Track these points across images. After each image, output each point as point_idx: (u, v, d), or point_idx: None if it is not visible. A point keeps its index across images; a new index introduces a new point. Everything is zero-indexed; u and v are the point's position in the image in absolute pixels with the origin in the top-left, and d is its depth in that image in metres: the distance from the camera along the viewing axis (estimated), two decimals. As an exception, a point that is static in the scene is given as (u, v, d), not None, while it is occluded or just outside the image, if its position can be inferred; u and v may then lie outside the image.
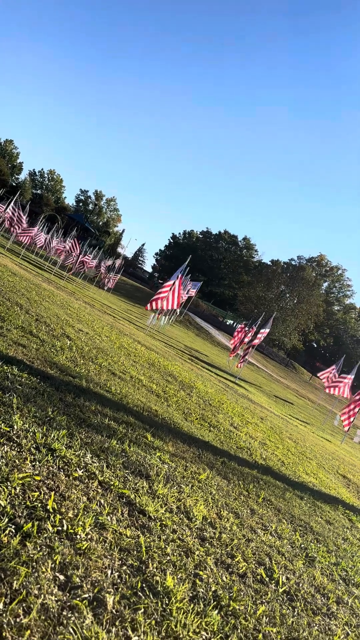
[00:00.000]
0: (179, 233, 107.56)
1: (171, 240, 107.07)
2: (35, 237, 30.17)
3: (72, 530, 2.15)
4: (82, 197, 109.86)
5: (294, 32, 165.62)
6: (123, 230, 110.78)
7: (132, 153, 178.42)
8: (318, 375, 24.11)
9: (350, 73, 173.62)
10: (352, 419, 17.58)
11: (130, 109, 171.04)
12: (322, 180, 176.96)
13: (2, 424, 2.84)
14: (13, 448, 2.63)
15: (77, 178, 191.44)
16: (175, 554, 2.49)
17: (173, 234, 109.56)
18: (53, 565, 1.86)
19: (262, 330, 23.05)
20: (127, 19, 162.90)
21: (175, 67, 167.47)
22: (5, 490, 2.17)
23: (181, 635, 1.88)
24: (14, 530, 1.94)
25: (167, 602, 2.03)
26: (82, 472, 2.80)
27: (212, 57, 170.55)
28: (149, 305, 18.50)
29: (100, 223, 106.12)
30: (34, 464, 2.58)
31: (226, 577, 2.56)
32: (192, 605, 2.11)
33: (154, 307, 18.58)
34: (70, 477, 2.67)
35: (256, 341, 22.94)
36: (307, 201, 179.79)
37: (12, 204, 23.51)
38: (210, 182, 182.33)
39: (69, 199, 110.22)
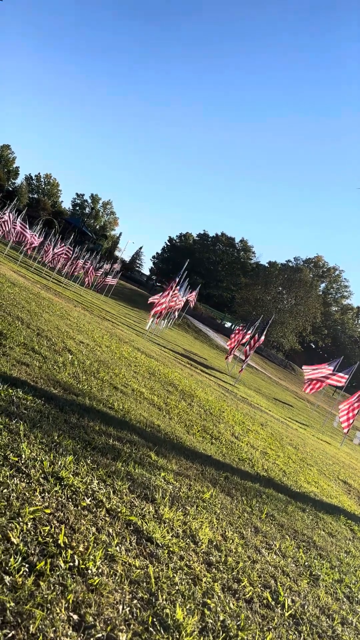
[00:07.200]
0: (176, 236, 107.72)
1: (168, 243, 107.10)
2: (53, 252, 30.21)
3: (83, 566, 2.20)
4: (79, 201, 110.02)
5: (292, 32, 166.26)
6: (120, 234, 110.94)
7: (128, 156, 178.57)
8: (303, 368, 23.79)
9: (349, 73, 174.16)
10: (351, 421, 17.65)
11: (125, 111, 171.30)
12: (319, 181, 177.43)
13: (11, 454, 2.89)
14: (22, 479, 2.67)
15: (73, 182, 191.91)
16: (183, 583, 2.54)
17: (170, 236, 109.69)
18: (67, 605, 1.90)
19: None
20: (122, 22, 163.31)
21: (169, 69, 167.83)
22: (17, 527, 2.22)
23: (192, 670, 1.92)
24: (27, 570, 1.99)
25: (177, 636, 2.08)
26: (90, 501, 2.85)
27: (207, 58, 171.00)
28: (153, 312, 19.27)
29: (97, 226, 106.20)
30: (43, 495, 2.63)
31: (233, 604, 2.61)
32: (201, 639, 2.16)
33: (157, 314, 19.29)
34: (79, 507, 2.71)
35: (256, 344, 22.99)
36: (303, 202, 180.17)
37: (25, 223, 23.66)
38: (207, 184, 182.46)
39: (66, 203, 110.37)
